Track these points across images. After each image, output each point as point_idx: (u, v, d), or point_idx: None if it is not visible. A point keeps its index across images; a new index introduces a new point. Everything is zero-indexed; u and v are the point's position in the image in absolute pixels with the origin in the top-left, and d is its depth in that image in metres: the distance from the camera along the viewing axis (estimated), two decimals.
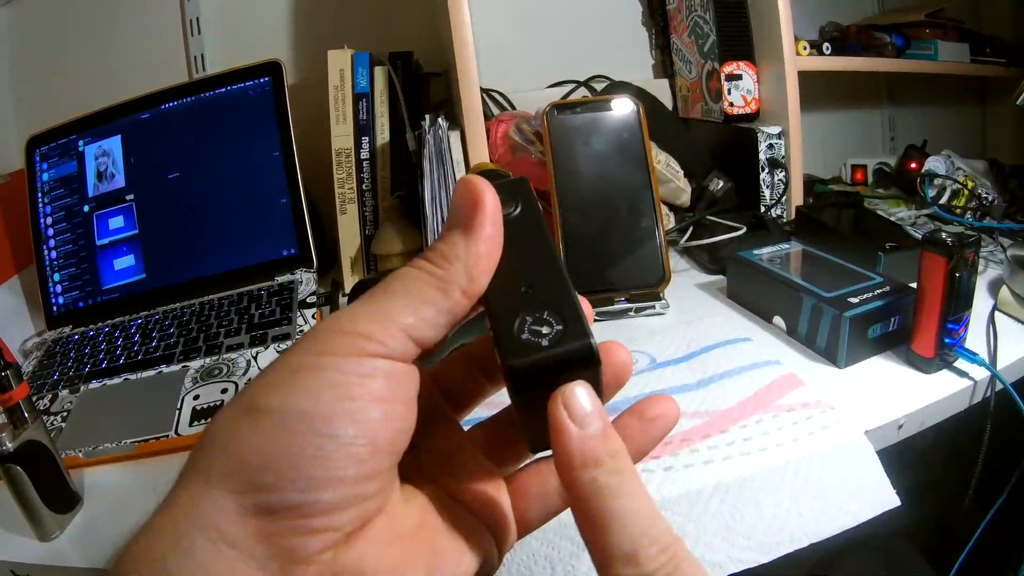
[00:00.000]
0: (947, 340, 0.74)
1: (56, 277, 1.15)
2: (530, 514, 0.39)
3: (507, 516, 0.39)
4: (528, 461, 0.40)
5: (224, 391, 0.83)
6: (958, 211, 1.27)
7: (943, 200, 1.30)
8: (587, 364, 0.34)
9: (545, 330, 0.34)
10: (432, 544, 0.35)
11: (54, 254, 1.16)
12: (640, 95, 1.11)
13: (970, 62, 1.47)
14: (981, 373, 0.76)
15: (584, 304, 0.36)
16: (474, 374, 0.42)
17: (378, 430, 0.31)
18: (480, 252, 0.35)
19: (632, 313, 0.96)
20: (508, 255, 0.36)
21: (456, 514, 0.37)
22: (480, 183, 0.35)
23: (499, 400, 0.39)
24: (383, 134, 1.16)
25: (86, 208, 1.16)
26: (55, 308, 1.14)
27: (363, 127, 1.15)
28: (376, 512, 0.32)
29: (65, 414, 0.84)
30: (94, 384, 0.91)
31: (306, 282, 1.07)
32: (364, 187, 1.17)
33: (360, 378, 0.31)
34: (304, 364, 0.30)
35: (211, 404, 0.81)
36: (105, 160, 1.16)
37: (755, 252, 0.97)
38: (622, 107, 1.01)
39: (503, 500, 0.39)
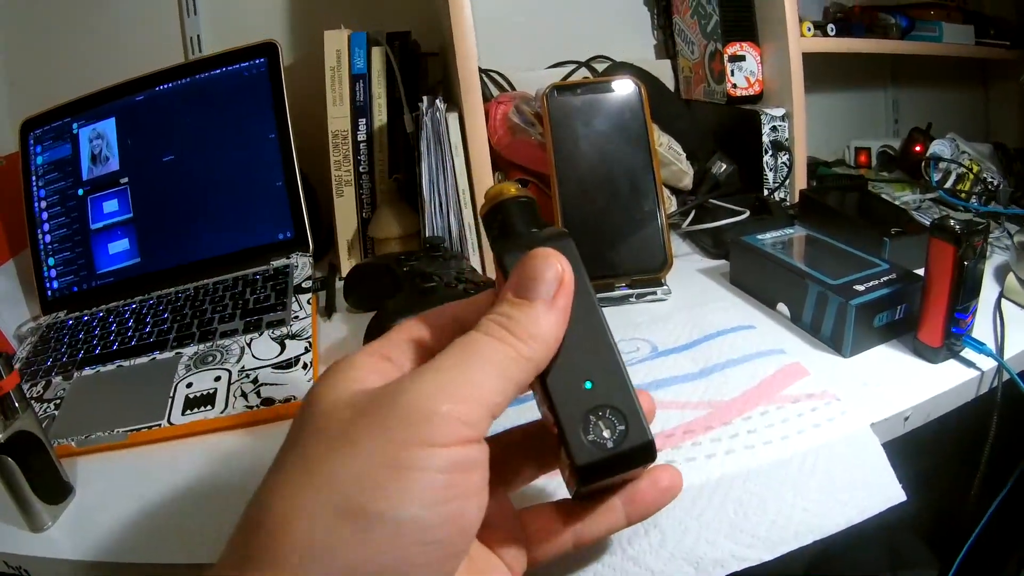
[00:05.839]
0: (954, 329, 0.73)
1: (51, 261, 1.14)
2: (539, 554, 0.42)
3: (524, 559, 0.41)
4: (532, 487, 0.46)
5: (217, 379, 0.81)
6: (963, 195, 1.26)
7: (948, 184, 1.28)
8: (646, 460, 0.39)
9: (607, 434, 0.38)
10: None
11: (48, 238, 1.15)
12: (642, 76, 1.09)
13: (975, 44, 1.45)
14: (988, 363, 0.74)
15: (643, 396, 0.40)
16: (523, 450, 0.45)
17: (473, 522, 0.33)
18: (560, 332, 0.37)
19: (633, 299, 0.95)
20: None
21: (487, 560, 0.39)
22: (563, 260, 0.38)
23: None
24: (380, 116, 1.15)
25: (80, 191, 1.15)
26: (50, 293, 1.13)
27: (360, 108, 1.14)
28: None
29: (58, 401, 0.83)
30: (87, 371, 0.89)
31: (302, 266, 1.06)
32: (361, 169, 1.16)
33: (463, 474, 0.32)
34: (409, 460, 0.30)
35: (203, 392, 0.79)
36: (99, 143, 1.15)
37: (758, 237, 0.96)
38: (623, 88, 0.99)
39: (521, 541, 0.41)
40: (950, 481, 1.00)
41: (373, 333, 0.82)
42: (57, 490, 0.65)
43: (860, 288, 0.77)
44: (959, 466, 0.88)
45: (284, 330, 0.90)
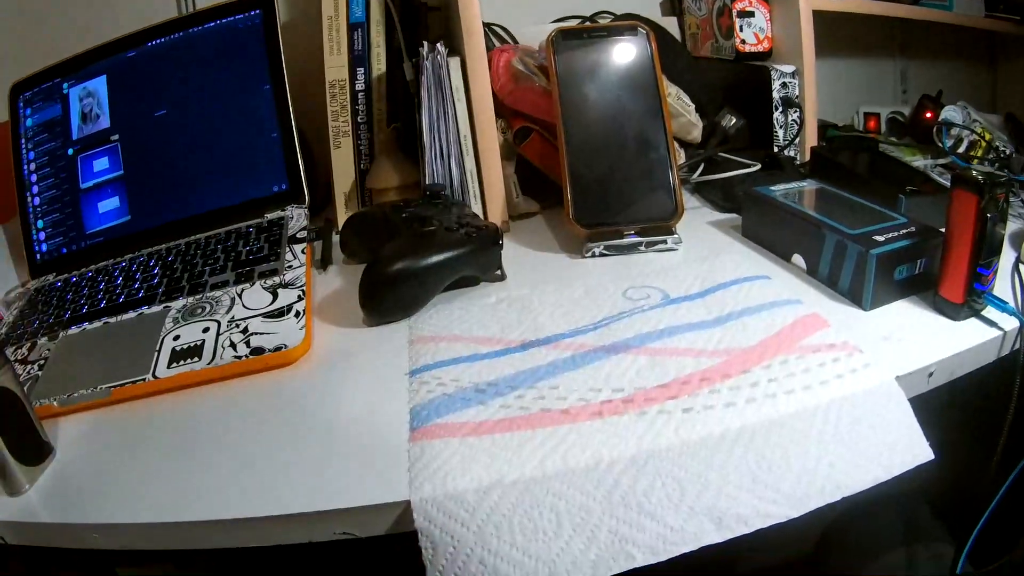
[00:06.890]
0: (976, 285, 0.70)
1: (40, 224, 1.11)
2: None
3: None
4: None
5: (205, 330, 0.78)
6: (975, 162, 1.23)
7: (960, 150, 1.25)
8: None
9: None
10: None
11: (37, 200, 1.11)
12: (649, 26, 1.06)
13: (984, 16, 1.42)
14: (1010, 324, 0.72)
15: None
16: None
17: None
18: None
19: (643, 248, 0.92)
20: None
21: None
22: None
23: None
24: (379, 65, 1.12)
25: (70, 151, 1.11)
26: (39, 256, 1.10)
27: (358, 58, 1.11)
28: None
29: (42, 362, 0.80)
30: (74, 330, 0.86)
31: (296, 218, 1.03)
32: (359, 120, 1.13)
33: None
34: None
35: (190, 344, 0.76)
36: (90, 101, 1.12)
37: (771, 188, 0.93)
38: (632, 34, 0.97)
39: None
40: (967, 453, 0.97)
41: (369, 280, 0.79)
42: (36, 451, 0.63)
43: (880, 239, 0.74)
44: (975, 438, 0.85)
45: (276, 279, 0.87)
